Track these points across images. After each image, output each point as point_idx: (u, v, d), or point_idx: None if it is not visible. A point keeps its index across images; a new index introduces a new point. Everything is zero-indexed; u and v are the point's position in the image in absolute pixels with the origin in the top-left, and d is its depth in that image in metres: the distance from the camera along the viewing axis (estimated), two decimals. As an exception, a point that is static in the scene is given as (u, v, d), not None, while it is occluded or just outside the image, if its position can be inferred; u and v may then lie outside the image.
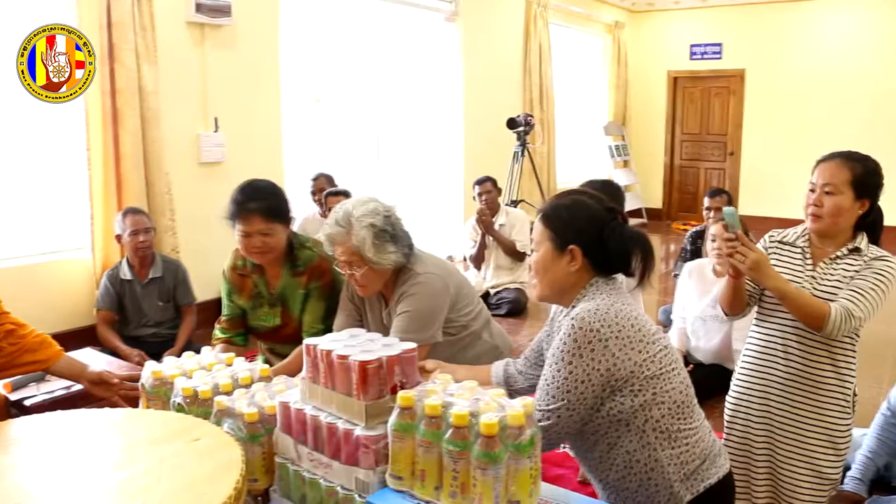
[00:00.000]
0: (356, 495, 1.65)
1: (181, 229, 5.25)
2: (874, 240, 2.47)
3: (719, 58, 10.97)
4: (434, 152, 8.28)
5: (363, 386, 1.64)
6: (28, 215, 4.77)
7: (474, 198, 6.00)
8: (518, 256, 5.77)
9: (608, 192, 2.90)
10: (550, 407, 1.88)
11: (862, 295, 2.32)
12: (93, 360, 3.50)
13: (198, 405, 1.96)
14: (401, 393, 1.59)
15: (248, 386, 2.01)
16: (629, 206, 10.91)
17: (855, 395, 2.49)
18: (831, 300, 2.35)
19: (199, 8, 5.30)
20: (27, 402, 2.93)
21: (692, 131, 11.51)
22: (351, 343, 1.76)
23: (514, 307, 5.75)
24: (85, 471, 1.71)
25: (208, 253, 5.50)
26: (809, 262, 2.48)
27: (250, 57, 5.82)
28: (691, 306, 4.29)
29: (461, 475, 1.52)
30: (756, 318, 2.61)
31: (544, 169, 9.14)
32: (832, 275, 2.42)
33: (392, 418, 1.59)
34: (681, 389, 1.94)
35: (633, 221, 9.80)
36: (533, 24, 9.15)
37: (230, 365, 2.19)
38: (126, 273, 4.32)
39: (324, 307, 2.92)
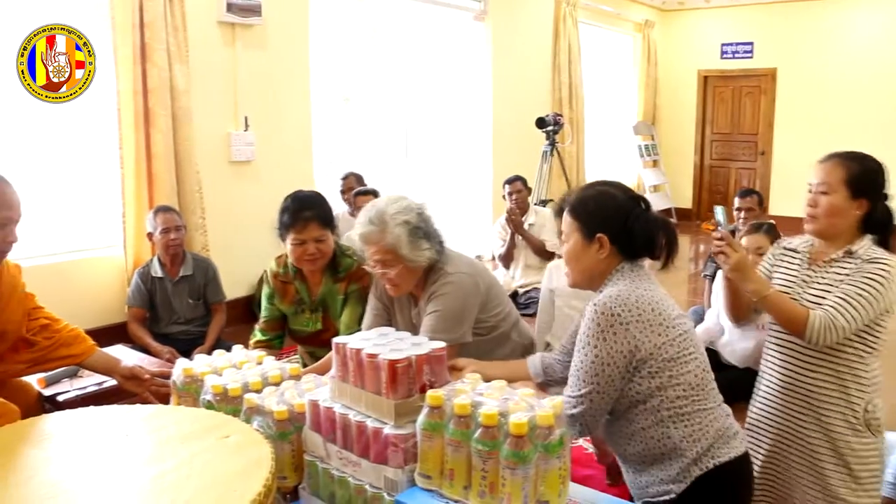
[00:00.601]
0: (385, 494, 1.65)
1: (211, 228, 5.29)
2: (884, 243, 2.36)
3: (751, 57, 10.84)
4: (463, 151, 8.27)
5: (392, 385, 1.64)
6: (62, 213, 4.82)
7: (504, 197, 5.99)
8: (547, 256, 5.74)
9: None
10: (582, 391, 1.94)
11: (847, 301, 2.21)
12: (124, 356, 3.53)
13: (228, 402, 1.98)
14: (430, 392, 1.59)
15: (277, 384, 2.02)
16: (659, 205, 10.84)
17: (869, 412, 2.31)
18: (818, 305, 2.26)
19: (230, 8, 5.34)
20: (60, 398, 2.97)
21: (722, 131, 11.39)
22: (380, 342, 1.76)
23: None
24: (116, 466, 1.72)
25: (238, 251, 5.55)
26: (806, 266, 2.41)
27: (280, 56, 5.85)
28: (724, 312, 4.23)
29: (490, 475, 1.52)
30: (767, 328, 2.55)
31: (573, 168, 9.10)
32: (823, 278, 2.33)
33: (421, 417, 1.59)
34: (697, 373, 1.99)
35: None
36: (562, 22, 9.11)
37: (260, 363, 2.21)
38: (157, 271, 4.36)
39: (361, 309, 2.94)
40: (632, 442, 2.01)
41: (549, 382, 2.33)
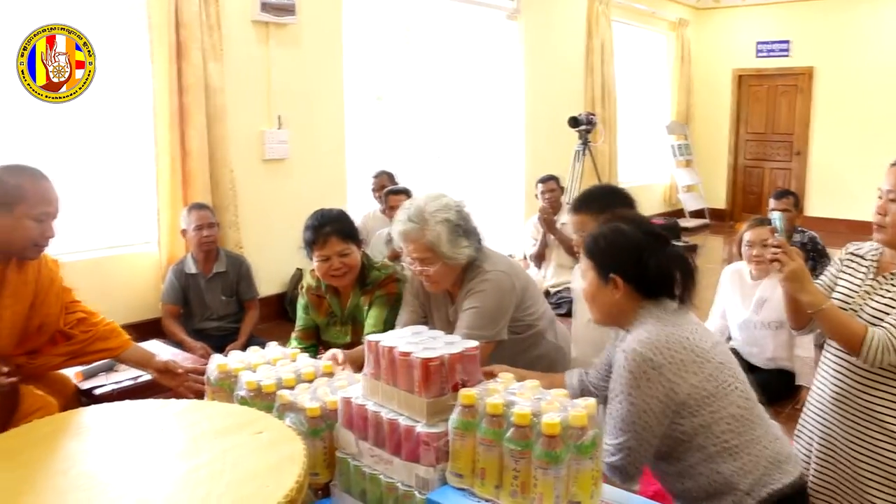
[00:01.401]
0: (416, 492, 1.65)
1: (244, 225, 5.33)
2: None
3: (787, 55, 10.69)
4: (495, 150, 8.26)
5: (425, 383, 1.64)
6: (99, 210, 4.88)
7: (537, 196, 5.97)
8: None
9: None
10: (619, 441, 1.90)
11: None
12: (158, 351, 3.58)
13: (261, 399, 1.99)
14: (463, 391, 1.59)
15: (310, 381, 2.04)
16: (692, 206, 10.74)
17: None
18: (879, 319, 2.13)
19: (265, 7, 5.38)
20: (96, 392, 3.01)
21: (757, 130, 11.24)
22: (413, 340, 1.76)
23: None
24: (151, 459, 1.74)
25: (271, 248, 5.58)
26: (871, 276, 2.25)
27: (314, 55, 5.87)
28: (734, 313, 4.18)
29: (522, 474, 1.51)
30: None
31: (606, 168, 9.05)
32: (888, 291, 2.18)
33: (453, 416, 1.59)
34: (739, 403, 1.93)
35: (695, 222, 9.61)
36: (595, 21, 9.06)
37: (294, 360, 2.22)
38: (191, 267, 4.40)
39: (386, 313, 2.95)
40: (682, 480, 1.96)
41: None
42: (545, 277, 6.01)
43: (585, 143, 7.91)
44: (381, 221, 5.40)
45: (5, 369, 2.39)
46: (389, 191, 5.29)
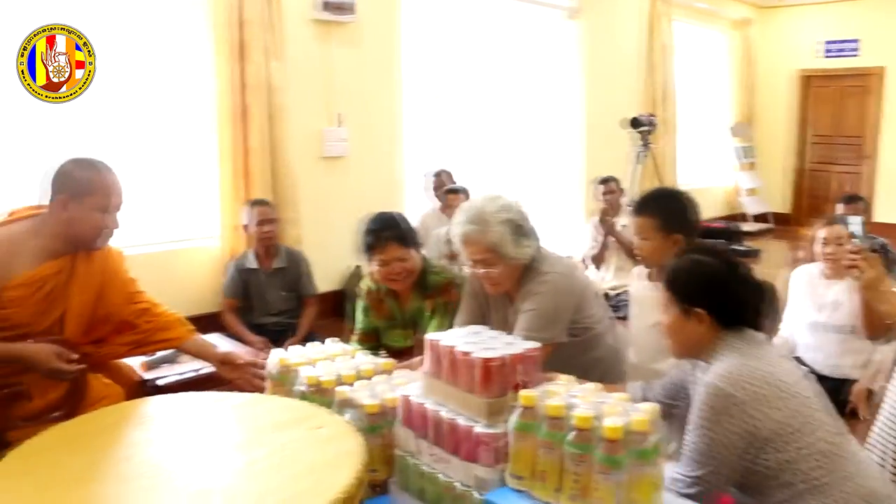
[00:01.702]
0: (474, 492, 1.65)
1: (304, 221, 5.38)
2: None
3: (856, 55, 10.37)
4: (554, 151, 8.21)
5: (485, 383, 1.63)
6: (162, 205, 4.98)
7: (596, 197, 5.92)
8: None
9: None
10: (696, 473, 1.86)
11: None
12: (219, 344, 3.63)
13: (321, 394, 2.01)
14: (523, 392, 1.58)
15: (369, 378, 2.04)
16: (754, 209, 10.54)
17: None
18: None
19: (326, 6, 5.42)
20: (159, 382, 3.06)
21: (823, 133, 10.95)
22: (474, 340, 1.75)
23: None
24: (212, 450, 1.77)
25: (329, 245, 5.63)
26: None
27: (373, 53, 5.91)
28: (803, 315, 4.05)
29: (582, 478, 1.50)
30: None
31: (666, 170, 8.92)
32: None
33: (513, 417, 1.58)
34: (828, 439, 1.87)
35: (758, 227, 9.41)
36: (656, 21, 8.94)
37: (354, 357, 2.23)
38: (251, 262, 4.46)
39: (448, 322, 2.95)
40: None
41: None
42: (604, 280, 5.95)
43: (646, 144, 7.82)
44: (440, 220, 5.41)
45: (74, 357, 2.45)
46: (448, 189, 5.30)
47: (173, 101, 4.93)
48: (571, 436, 1.49)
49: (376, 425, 1.85)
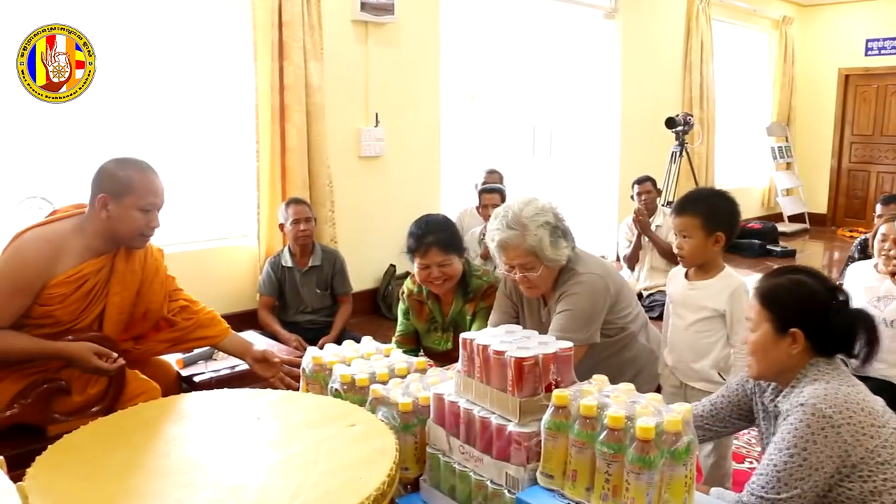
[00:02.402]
0: (506, 491, 1.65)
1: (340, 221, 5.42)
2: None
3: (899, 53, 10.22)
4: (590, 150, 8.18)
5: (518, 382, 1.64)
6: (201, 203, 5.04)
7: (632, 197, 5.89)
8: (674, 259, 5.55)
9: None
10: (782, 496, 1.81)
11: None
12: (254, 341, 3.67)
13: (355, 392, 2.02)
14: (556, 391, 1.58)
15: (403, 376, 2.06)
16: (792, 209, 10.40)
17: None
18: None
19: (364, 6, 5.45)
20: (196, 379, 3.10)
21: (864, 132, 10.75)
22: (507, 339, 1.76)
23: (668, 311, 5.57)
24: (247, 447, 1.79)
25: (365, 244, 5.67)
26: None
27: (411, 54, 5.93)
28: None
29: (614, 478, 1.50)
30: None
31: (702, 170, 8.85)
32: None
33: (546, 416, 1.58)
34: None
35: (794, 227, 9.28)
36: (695, 20, 8.86)
37: (388, 355, 2.25)
38: (287, 261, 4.49)
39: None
40: None
41: None
42: (638, 280, 5.92)
43: (682, 144, 7.76)
44: (476, 219, 5.41)
45: (114, 355, 2.50)
46: (483, 189, 5.28)
47: (214, 100, 4.99)
48: (603, 435, 1.49)
49: (409, 423, 1.87)
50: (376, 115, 5.70)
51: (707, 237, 2.57)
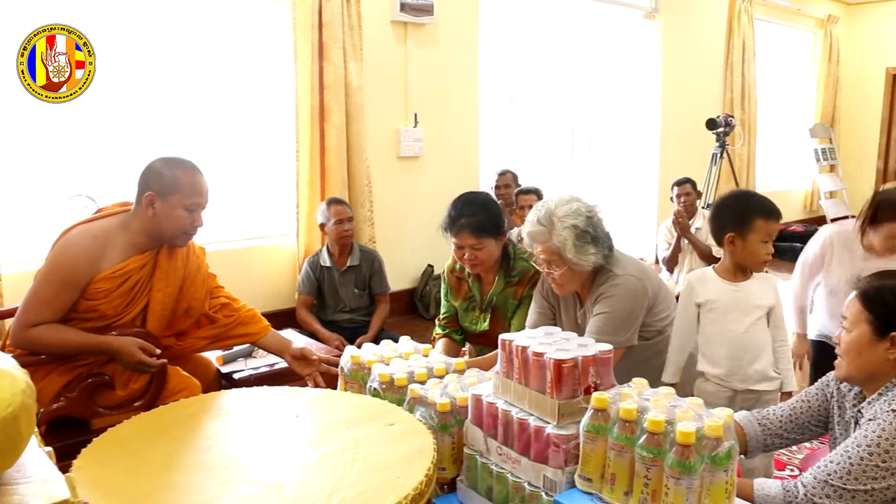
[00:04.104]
0: (543, 493, 1.64)
1: (378, 220, 5.44)
2: None
3: (949, 52, 10.00)
4: (629, 152, 8.13)
5: (557, 384, 1.63)
6: (241, 203, 5.10)
7: (672, 199, 5.83)
8: (713, 261, 5.53)
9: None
10: (848, 487, 1.78)
11: None
12: (294, 340, 3.70)
13: (393, 392, 2.03)
14: (595, 394, 1.57)
15: (441, 377, 2.06)
16: (835, 212, 10.22)
17: None
18: None
19: (404, 7, 5.47)
20: (235, 376, 3.14)
21: (912, 133, 10.57)
22: (546, 341, 1.75)
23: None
24: (286, 444, 1.80)
25: (403, 244, 5.68)
26: None
27: (450, 55, 5.94)
28: None
29: (653, 482, 1.48)
30: None
31: (743, 172, 8.74)
32: None
33: (585, 419, 1.57)
34: None
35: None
36: (737, 19, 8.76)
37: (426, 355, 2.25)
38: (326, 260, 4.52)
39: None
40: None
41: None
42: (677, 283, 5.86)
43: (723, 145, 7.68)
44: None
45: (157, 351, 2.54)
46: (519, 191, 5.27)
47: (254, 101, 5.05)
48: (643, 439, 1.48)
49: (447, 423, 1.87)
50: (415, 115, 5.72)
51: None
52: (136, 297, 2.60)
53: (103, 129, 4.41)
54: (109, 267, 2.52)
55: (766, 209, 2.61)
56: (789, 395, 2.57)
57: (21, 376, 1.01)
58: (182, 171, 2.59)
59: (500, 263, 3.02)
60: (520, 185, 5.53)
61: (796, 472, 3.27)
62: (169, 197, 2.54)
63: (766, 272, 2.77)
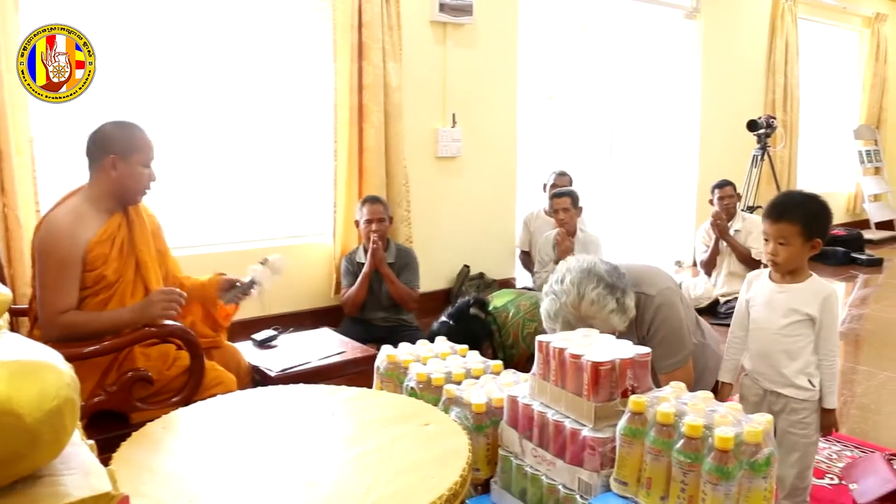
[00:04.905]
0: (578, 496, 1.64)
1: (415, 220, 5.45)
2: None
3: None
4: (668, 153, 8.05)
5: (594, 387, 1.62)
6: (280, 201, 5.13)
7: (711, 202, 5.78)
8: (752, 264, 5.48)
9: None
10: None
11: None
12: (329, 339, 3.73)
13: (430, 391, 2.03)
14: (633, 397, 1.56)
15: (478, 377, 2.06)
16: (879, 216, 10.03)
17: None
18: None
19: (443, 7, 5.48)
20: (272, 374, 3.16)
21: (961, 134, 10.32)
22: (584, 343, 1.74)
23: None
24: (322, 442, 1.82)
25: (440, 244, 5.69)
26: None
27: (489, 55, 5.93)
28: None
29: (690, 488, 1.47)
30: None
31: (785, 174, 8.61)
32: None
33: (622, 422, 1.56)
34: None
35: (882, 234, 8.93)
36: (780, 19, 8.63)
37: (464, 356, 2.25)
38: (361, 257, 4.53)
39: None
40: None
41: None
42: (716, 285, 5.81)
43: (764, 147, 7.59)
44: (547, 223, 5.37)
45: (177, 290, 2.68)
46: (553, 194, 5.21)
47: (294, 100, 5.08)
48: (680, 444, 1.47)
49: (482, 424, 1.87)
50: (453, 115, 5.72)
51: (805, 244, 2.49)
52: (127, 255, 2.72)
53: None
54: (95, 233, 2.62)
55: (767, 208, 2.59)
56: (829, 412, 2.52)
57: (66, 370, 1.02)
58: (136, 130, 2.72)
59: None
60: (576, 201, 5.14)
61: (836, 480, 3.21)
62: (129, 157, 2.66)
63: (763, 267, 2.69)
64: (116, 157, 2.64)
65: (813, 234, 2.49)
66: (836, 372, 2.52)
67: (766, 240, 2.56)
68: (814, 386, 2.52)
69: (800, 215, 2.50)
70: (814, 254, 2.52)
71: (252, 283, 3.03)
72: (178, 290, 2.68)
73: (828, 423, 2.55)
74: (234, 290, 3.01)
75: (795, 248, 2.49)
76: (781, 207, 2.56)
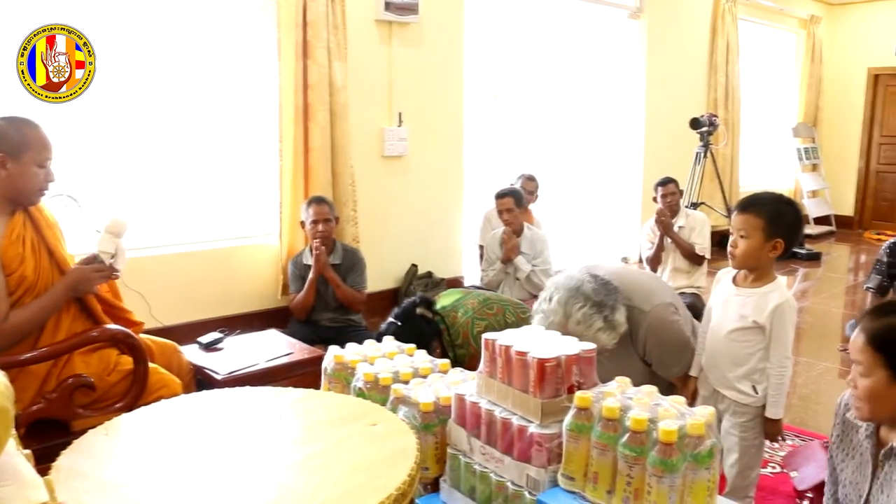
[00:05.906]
0: (526, 492, 1.65)
1: (362, 220, 5.43)
2: None
3: (930, 53, 10.05)
4: (613, 151, 8.15)
5: (540, 383, 1.63)
6: (224, 202, 5.06)
7: (654, 199, 5.85)
8: (696, 260, 5.57)
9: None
10: None
11: None
12: (276, 341, 3.69)
13: (377, 391, 2.02)
14: (578, 393, 1.57)
15: (426, 376, 2.05)
16: (817, 211, 10.29)
17: None
18: None
19: (388, 6, 5.46)
20: (219, 377, 3.12)
21: (893, 133, 10.61)
22: (530, 340, 1.75)
23: (691, 312, 5.51)
24: (269, 444, 1.79)
25: (387, 244, 5.67)
26: None
27: (435, 54, 5.93)
28: None
29: (635, 481, 1.49)
30: None
31: (727, 171, 8.79)
32: None
33: (568, 418, 1.58)
34: None
35: (820, 229, 9.18)
36: (721, 19, 8.81)
37: (411, 355, 2.24)
38: (307, 258, 4.50)
39: None
40: None
41: None
42: (661, 282, 5.89)
43: (706, 145, 7.72)
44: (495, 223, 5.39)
45: (106, 264, 2.64)
46: (497, 194, 5.19)
47: (237, 99, 5.02)
48: (626, 438, 1.48)
49: (430, 423, 1.86)
50: (399, 114, 5.71)
51: (765, 241, 2.47)
52: (39, 252, 2.62)
53: (82, 128, 4.35)
54: (2, 235, 2.53)
55: (738, 202, 2.62)
56: (773, 422, 2.52)
57: (-1, 378, 0.99)
58: (29, 128, 2.58)
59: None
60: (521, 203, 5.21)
61: (777, 469, 3.29)
62: (21, 156, 2.54)
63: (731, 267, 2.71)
64: (5, 156, 2.52)
65: (775, 234, 2.47)
66: (783, 382, 2.49)
67: (731, 233, 2.57)
68: (757, 393, 2.52)
69: (765, 211, 2.50)
70: (775, 255, 2.49)
71: (98, 255, 2.79)
72: (105, 264, 2.62)
73: (772, 430, 2.55)
74: (93, 265, 2.76)
75: (755, 242, 2.47)
76: (750, 200, 2.57)
